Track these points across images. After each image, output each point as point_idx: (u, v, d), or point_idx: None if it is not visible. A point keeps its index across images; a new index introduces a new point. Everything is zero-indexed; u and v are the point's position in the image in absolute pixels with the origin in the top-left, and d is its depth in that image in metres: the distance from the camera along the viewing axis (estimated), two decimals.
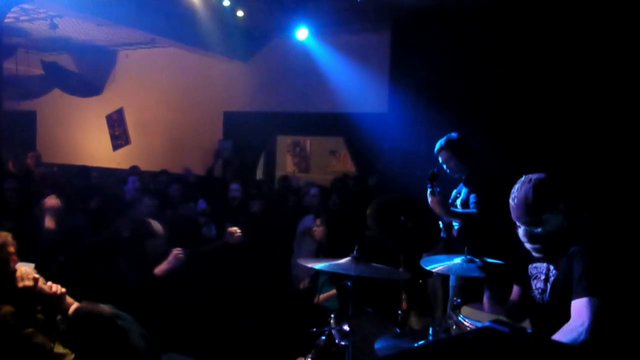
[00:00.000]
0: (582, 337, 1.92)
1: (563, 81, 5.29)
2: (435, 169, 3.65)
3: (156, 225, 3.78)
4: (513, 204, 2.22)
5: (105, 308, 2.38)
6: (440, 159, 3.84)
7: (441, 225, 3.77)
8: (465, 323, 2.55)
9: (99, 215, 5.12)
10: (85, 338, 2.35)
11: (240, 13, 6.28)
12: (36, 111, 10.28)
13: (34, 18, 6.97)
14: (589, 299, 1.98)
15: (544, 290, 2.28)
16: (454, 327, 2.60)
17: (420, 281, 3.97)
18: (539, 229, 2.17)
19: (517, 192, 2.21)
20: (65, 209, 4.27)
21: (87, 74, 9.11)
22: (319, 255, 4.64)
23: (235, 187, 5.82)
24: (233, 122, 8.27)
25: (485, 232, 3.49)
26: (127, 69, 9.10)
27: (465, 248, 2.72)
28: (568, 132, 5.18)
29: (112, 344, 2.36)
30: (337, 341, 2.76)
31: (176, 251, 3.60)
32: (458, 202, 3.82)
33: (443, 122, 5.12)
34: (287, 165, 8.24)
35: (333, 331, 2.79)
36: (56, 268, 3.73)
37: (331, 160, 7.87)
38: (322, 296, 4.46)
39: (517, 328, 1.27)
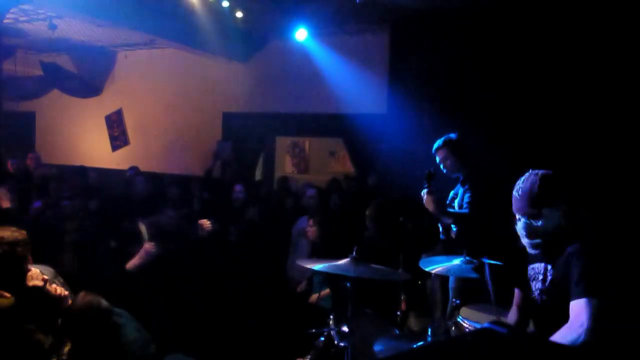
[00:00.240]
0: (582, 338, 1.92)
1: (563, 82, 5.29)
2: (432, 169, 3.65)
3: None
4: (517, 195, 2.24)
5: (103, 301, 2.52)
6: (437, 158, 3.85)
7: (440, 227, 3.78)
8: (464, 324, 2.55)
9: (100, 216, 5.13)
10: (80, 325, 2.49)
11: (239, 14, 6.28)
12: (35, 112, 10.27)
13: (33, 19, 6.96)
14: (587, 299, 1.99)
15: (542, 291, 2.29)
16: (453, 328, 2.61)
17: (420, 282, 3.97)
18: (539, 223, 2.18)
19: (522, 184, 2.24)
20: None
21: (86, 75, 9.10)
22: (312, 255, 4.66)
23: (239, 189, 5.85)
24: (232, 123, 8.26)
25: (480, 233, 3.49)
26: (126, 70, 9.10)
27: (464, 249, 2.73)
28: (568, 133, 5.18)
29: (103, 334, 2.51)
30: (336, 342, 2.76)
31: (148, 245, 3.65)
32: (455, 203, 3.83)
33: (442, 123, 5.12)
34: (286, 166, 8.23)
35: (332, 332, 2.80)
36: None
37: (330, 161, 7.87)
38: (315, 296, 4.47)
39: (516, 329, 1.28)
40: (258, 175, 8.31)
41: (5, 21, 5.93)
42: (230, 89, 8.19)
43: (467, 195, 3.68)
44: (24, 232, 2.64)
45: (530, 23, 5.46)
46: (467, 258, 2.69)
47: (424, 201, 3.57)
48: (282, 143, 8.33)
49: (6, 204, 4.51)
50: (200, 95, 8.44)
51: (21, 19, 6.92)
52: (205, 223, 4.22)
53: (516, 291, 2.50)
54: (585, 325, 1.93)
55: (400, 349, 2.61)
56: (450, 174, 3.87)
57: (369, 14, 6.29)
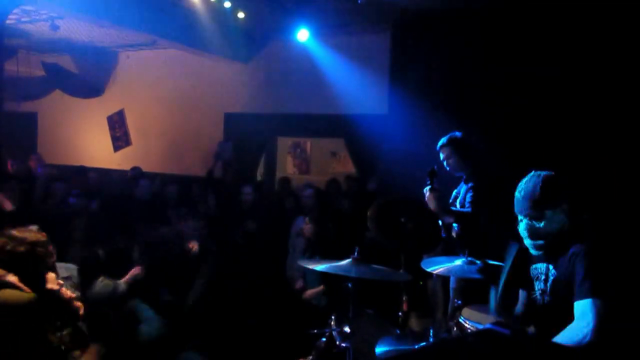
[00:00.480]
0: (587, 338, 1.92)
1: (564, 83, 5.28)
2: (435, 166, 3.65)
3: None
4: (519, 196, 2.24)
5: (122, 286, 2.88)
6: (441, 156, 3.85)
7: (441, 225, 3.77)
8: (466, 325, 2.55)
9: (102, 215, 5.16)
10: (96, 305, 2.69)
11: (241, 14, 6.28)
12: (37, 112, 10.28)
13: (36, 19, 6.97)
14: (592, 300, 1.98)
15: (544, 291, 2.28)
16: (455, 329, 2.60)
17: (421, 283, 3.97)
18: (541, 224, 2.18)
19: (524, 185, 2.24)
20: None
21: (88, 75, 9.10)
22: (306, 252, 4.70)
23: (247, 191, 5.87)
24: (234, 124, 8.27)
25: (481, 232, 3.49)
26: (128, 70, 9.11)
27: (464, 249, 2.72)
28: (570, 133, 5.17)
29: (118, 316, 2.57)
30: (337, 343, 2.76)
31: (135, 270, 3.83)
32: (457, 201, 3.83)
33: (443, 123, 5.12)
34: (287, 166, 8.23)
35: (334, 333, 2.80)
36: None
37: (331, 162, 7.87)
38: (310, 292, 4.48)
39: (518, 330, 1.27)
40: (259, 175, 8.32)
41: (7, 22, 5.93)
42: (232, 89, 8.20)
43: (469, 194, 3.68)
44: (45, 234, 2.73)
45: (532, 23, 5.45)
46: (469, 259, 2.68)
47: (426, 198, 3.56)
48: (284, 143, 8.33)
49: (9, 207, 4.51)
50: (202, 96, 8.45)
51: (23, 19, 6.93)
52: (194, 247, 4.52)
53: (521, 292, 2.50)
54: (590, 326, 1.93)
55: (402, 350, 2.60)
56: (454, 172, 3.87)
57: (371, 15, 6.28)
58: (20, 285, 2.52)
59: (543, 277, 2.29)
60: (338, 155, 7.79)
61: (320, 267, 2.71)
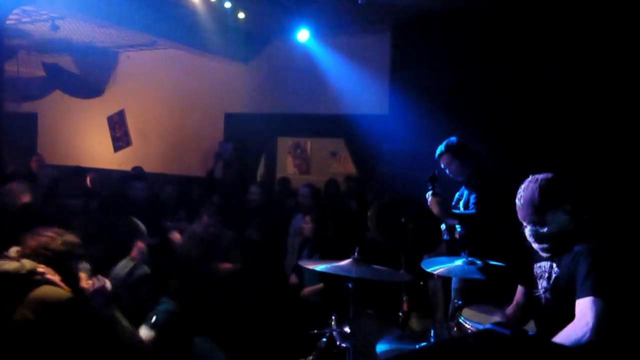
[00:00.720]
0: (587, 337, 1.92)
1: (565, 83, 5.29)
2: (436, 171, 3.66)
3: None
4: (519, 203, 2.24)
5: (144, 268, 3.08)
6: (442, 165, 3.86)
7: (444, 228, 3.78)
8: (467, 325, 2.55)
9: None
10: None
11: (241, 15, 6.28)
12: (37, 113, 10.28)
13: (36, 20, 6.97)
14: (593, 298, 1.99)
15: (547, 289, 2.29)
16: (455, 329, 2.60)
17: (421, 283, 3.97)
18: (545, 229, 2.18)
19: (523, 192, 2.23)
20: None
21: (88, 76, 9.10)
22: (303, 250, 4.70)
23: (255, 190, 5.87)
24: (234, 124, 8.27)
25: (486, 233, 3.50)
26: (128, 71, 9.11)
27: (466, 250, 2.72)
28: (570, 133, 5.18)
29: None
30: (338, 343, 2.76)
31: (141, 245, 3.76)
32: (461, 204, 3.83)
33: (443, 123, 5.13)
34: (287, 167, 8.23)
35: (334, 333, 2.80)
36: None
37: (332, 162, 7.87)
38: (308, 289, 4.47)
39: (519, 330, 1.27)
40: (258, 176, 8.31)
41: (7, 22, 5.93)
42: (232, 89, 8.20)
43: (472, 196, 3.69)
44: (76, 235, 2.87)
45: (532, 24, 5.46)
46: (469, 259, 2.68)
47: (429, 203, 3.59)
48: (284, 144, 8.33)
49: (26, 199, 4.51)
50: (202, 96, 8.45)
51: (24, 19, 6.93)
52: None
53: (519, 288, 2.51)
54: (590, 324, 1.93)
55: (403, 350, 2.60)
56: (456, 177, 3.88)
57: (371, 15, 6.29)
58: (60, 283, 2.60)
59: (547, 276, 2.30)
60: (338, 156, 7.79)
61: (320, 267, 2.71)
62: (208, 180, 7.24)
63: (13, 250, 2.84)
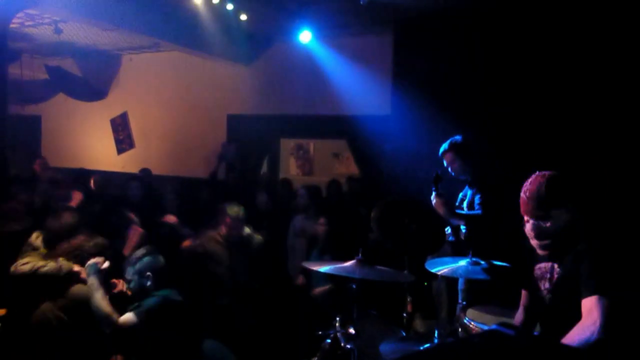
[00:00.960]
0: (595, 336, 1.92)
1: (567, 82, 5.28)
2: (439, 171, 3.66)
3: None
4: (525, 197, 2.23)
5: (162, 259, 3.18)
6: (445, 162, 3.85)
7: (449, 229, 3.77)
8: (471, 326, 2.54)
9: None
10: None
11: (243, 16, 6.29)
12: (41, 116, 10.32)
13: (39, 23, 7.00)
14: (599, 297, 1.98)
15: (550, 290, 2.28)
16: (460, 330, 2.60)
17: (425, 284, 3.96)
18: (548, 224, 2.17)
19: (529, 186, 2.23)
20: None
21: (91, 78, 9.13)
22: (311, 251, 4.72)
23: (262, 200, 5.97)
24: (237, 125, 8.28)
25: (491, 233, 3.49)
26: (131, 73, 9.14)
27: (470, 250, 2.71)
28: (573, 132, 5.16)
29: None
30: (342, 344, 2.76)
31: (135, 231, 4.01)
32: (464, 204, 3.83)
33: (446, 124, 5.12)
34: (290, 168, 8.24)
35: (338, 334, 2.80)
36: None
37: (334, 163, 7.87)
38: (318, 290, 4.47)
39: (524, 331, 1.27)
40: (262, 176, 8.31)
41: (11, 25, 5.95)
42: (235, 91, 8.21)
43: (477, 196, 3.68)
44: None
45: (534, 24, 5.44)
46: (474, 259, 2.68)
47: (434, 204, 3.58)
48: (287, 145, 8.33)
49: (78, 199, 4.80)
50: (205, 98, 8.46)
51: (27, 23, 6.96)
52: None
53: (523, 292, 2.50)
54: (598, 323, 1.93)
55: (407, 351, 2.60)
56: (458, 176, 3.87)
57: (373, 15, 6.28)
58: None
59: (548, 276, 2.29)
60: (341, 157, 7.79)
61: (324, 268, 2.71)
62: (211, 182, 7.25)
63: (34, 236, 3.27)
